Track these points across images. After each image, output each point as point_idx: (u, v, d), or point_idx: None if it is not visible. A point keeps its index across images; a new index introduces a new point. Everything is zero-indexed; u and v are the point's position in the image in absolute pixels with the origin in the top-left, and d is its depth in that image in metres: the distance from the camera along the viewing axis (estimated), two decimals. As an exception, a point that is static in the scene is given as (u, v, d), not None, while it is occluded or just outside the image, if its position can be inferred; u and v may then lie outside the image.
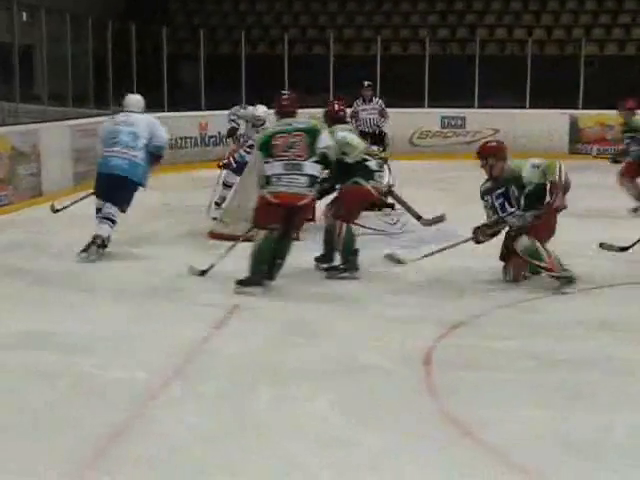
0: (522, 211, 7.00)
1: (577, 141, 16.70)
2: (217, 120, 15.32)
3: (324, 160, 7.08)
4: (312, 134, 6.97)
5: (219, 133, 15.54)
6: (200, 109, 16.03)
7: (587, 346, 5.62)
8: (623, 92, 11.69)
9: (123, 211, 8.22)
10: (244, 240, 7.44)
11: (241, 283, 6.80)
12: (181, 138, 15.05)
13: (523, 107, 17.30)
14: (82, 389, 4.85)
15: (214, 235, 8.96)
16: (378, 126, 13.06)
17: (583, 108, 16.98)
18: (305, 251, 7.79)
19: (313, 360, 5.34)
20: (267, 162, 6.92)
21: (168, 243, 8.95)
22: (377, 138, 12.57)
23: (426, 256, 7.49)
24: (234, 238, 8.61)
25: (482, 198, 7.25)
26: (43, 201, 11.12)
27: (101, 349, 5.55)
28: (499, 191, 7.07)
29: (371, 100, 13.45)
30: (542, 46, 19.30)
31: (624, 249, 7.78)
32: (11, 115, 12.18)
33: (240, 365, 5.25)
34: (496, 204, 7.09)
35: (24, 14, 13.06)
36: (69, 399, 4.70)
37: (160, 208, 10.84)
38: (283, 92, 8.16)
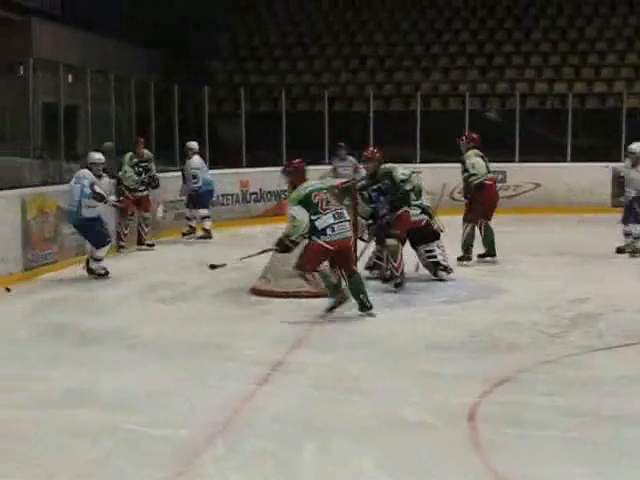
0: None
1: (620, 194, 16.63)
2: (258, 177, 15.54)
3: None
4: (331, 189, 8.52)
5: (260, 190, 15.75)
6: (241, 166, 16.23)
7: (632, 402, 5.58)
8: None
9: None
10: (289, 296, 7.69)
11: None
12: (223, 195, 15.20)
13: (564, 160, 17.29)
14: (125, 447, 4.88)
15: (256, 291, 9.05)
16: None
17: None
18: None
19: (358, 417, 5.35)
20: (316, 216, 7.75)
21: (211, 299, 9.07)
22: None
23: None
24: (275, 294, 8.75)
25: (360, 193, 9.28)
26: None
27: (144, 406, 5.61)
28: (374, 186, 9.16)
29: (345, 158, 15.05)
30: (583, 100, 19.32)
31: None
32: (56, 174, 12.38)
33: (284, 422, 5.28)
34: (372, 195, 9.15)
35: (70, 76, 13.33)
36: (112, 457, 4.73)
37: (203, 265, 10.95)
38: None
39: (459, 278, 9.60)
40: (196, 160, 13.58)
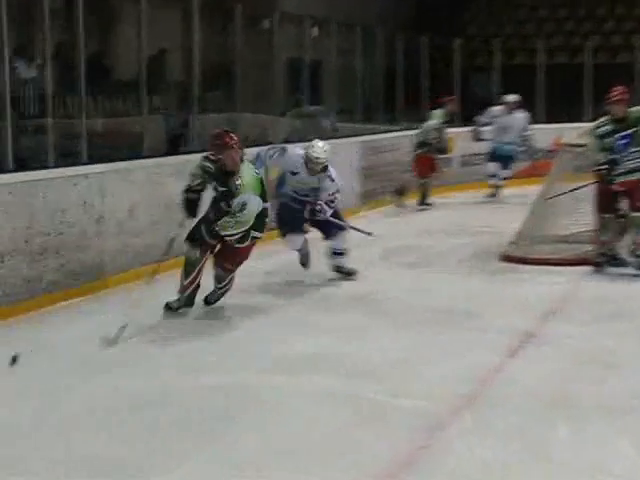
0: None
1: None
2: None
3: None
4: None
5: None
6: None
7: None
8: None
9: None
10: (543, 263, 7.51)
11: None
12: (471, 155, 15.08)
13: None
14: (366, 417, 4.94)
15: (506, 257, 8.94)
16: None
17: None
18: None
19: (614, 394, 5.21)
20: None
21: (458, 264, 9.09)
22: None
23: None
24: (527, 261, 8.59)
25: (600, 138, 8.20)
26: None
27: (386, 375, 5.66)
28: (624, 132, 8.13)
29: None
30: None
31: None
32: (299, 132, 12.64)
33: (535, 397, 5.21)
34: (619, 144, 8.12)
35: (314, 29, 13.53)
36: (352, 427, 4.79)
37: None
38: None
39: None
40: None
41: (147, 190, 8.69)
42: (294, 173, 8.14)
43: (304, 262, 8.49)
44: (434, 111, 13.39)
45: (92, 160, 8.42)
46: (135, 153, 9.30)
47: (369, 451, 4.43)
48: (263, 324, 6.97)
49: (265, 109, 12.37)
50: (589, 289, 7.74)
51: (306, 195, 8.19)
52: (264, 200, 7.03)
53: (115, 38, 11.86)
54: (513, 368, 5.79)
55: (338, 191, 8.20)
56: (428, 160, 13.04)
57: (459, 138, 14.48)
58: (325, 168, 8.04)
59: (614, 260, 8.34)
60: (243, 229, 6.88)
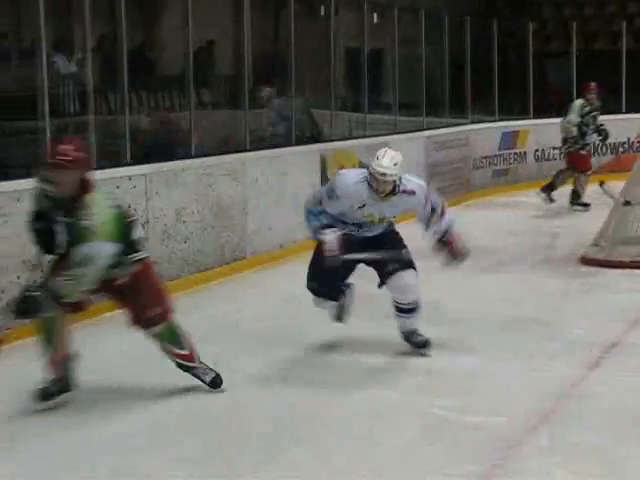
0: None
1: None
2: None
3: None
4: None
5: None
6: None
7: None
8: None
9: None
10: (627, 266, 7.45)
11: None
12: (551, 148, 14.98)
13: None
14: (433, 434, 4.93)
15: (587, 260, 8.87)
16: None
17: None
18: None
19: None
20: None
21: (533, 268, 9.10)
22: None
23: None
24: (609, 264, 8.52)
25: None
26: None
27: (454, 389, 5.64)
28: None
29: None
30: None
31: None
32: (358, 127, 12.66)
33: (616, 413, 5.17)
34: None
35: (374, 15, 13.52)
36: (418, 445, 4.78)
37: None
38: None
39: None
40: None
41: (196, 192, 8.77)
42: (361, 207, 6.11)
43: (340, 316, 6.68)
44: (575, 102, 13.03)
45: (136, 161, 8.50)
46: (183, 152, 9.39)
47: (438, 471, 4.42)
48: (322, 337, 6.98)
49: (322, 103, 12.38)
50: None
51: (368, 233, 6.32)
52: (127, 241, 5.31)
53: (159, 29, 11.96)
54: (593, 381, 5.74)
55: (433, 205, 6.24)
56: (580, 156, 12.83)
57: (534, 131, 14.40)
58: (395, 188, 5.99)
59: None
60: (83, 288, 5.22)
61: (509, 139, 14.87)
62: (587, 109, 12.52)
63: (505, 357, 6.26)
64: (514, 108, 15.48)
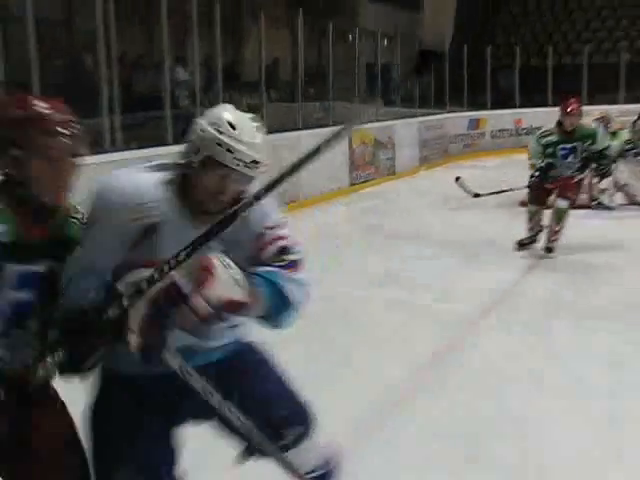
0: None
1: None
2: (528, 116, 14.74)
3: None
4: None
5: (531, 126, 14.91)
6: (515, 107, 15.45)
7: None
8: None
9: None
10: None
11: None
12: (500, 130, 14.65)
13: None
14: (417, 317, 4.81)
15: (524, 203, 8.56)
16: None
17: None
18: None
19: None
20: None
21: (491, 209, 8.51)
22: None
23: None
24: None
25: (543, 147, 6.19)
26: (396, 178, 11.35)
27: (437, 286, 5.50)
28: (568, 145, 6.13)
29: None
30: None
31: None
32: (373, 115, 12.46)
33: (542, 302, 5.06)
34: (560, 154, 6.13)
35: (385, 40, 13.24)
36: (406, 325, 4.66)
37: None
38: None
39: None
40: None
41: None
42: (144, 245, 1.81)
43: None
44: None
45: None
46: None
47: (422, 340, 4.34)
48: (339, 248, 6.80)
49: (350, 99, 12.22)
50: None
51: None
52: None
53: (243, 50, 11.91)
54: (527, 283, 5.61)
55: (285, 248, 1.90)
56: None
57: (489, 118, 14.00)
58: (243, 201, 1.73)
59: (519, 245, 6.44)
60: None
61: (473, 123, 14.56)
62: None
63: (467, 265, 6.08)
64: (477, 102, 15.14)
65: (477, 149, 14.54)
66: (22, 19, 6.50)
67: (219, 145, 1.74)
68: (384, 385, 3.64)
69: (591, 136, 6.17)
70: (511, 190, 7.22)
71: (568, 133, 6.09)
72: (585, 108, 6.55)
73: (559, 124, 6.16)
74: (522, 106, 15.14)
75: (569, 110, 6.07)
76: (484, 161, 13.37)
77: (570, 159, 6.13)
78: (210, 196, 1.76)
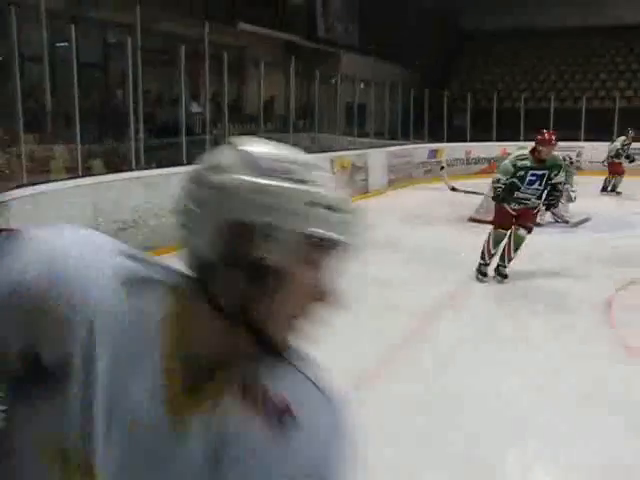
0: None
1: None
2: (477, 148, 15.09)
3: None
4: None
5: (478, 156, 15.27)
6: (466, 141, 15.79)
7: None
8: None
9: None
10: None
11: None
12: (454, 159, 14.97)
13: None
14: (389, 305, 4.84)
15: (473, 219, 8.77)
16: None
17: None
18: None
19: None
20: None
21: (449, 225, 8.57)
22: None
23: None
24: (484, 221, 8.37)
25: (516, 168, 5.58)
26: (369, 196, 11.59)
27: (398, 286, 5.45)
28: (538, 172, 5.60)
29: None
30: None
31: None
32: (351, 144, 12.71)
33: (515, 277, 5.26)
34: (529, 179, 5.60)
35: (362, 84, 13.48)
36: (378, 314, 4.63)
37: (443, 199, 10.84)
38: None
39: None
40: None
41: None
42: None
43: None
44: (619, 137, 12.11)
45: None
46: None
47: (389, 328, 4.41)
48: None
49: (332, 131, 12.46)
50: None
51: None
52: None
53: (245, 89, 12.01)
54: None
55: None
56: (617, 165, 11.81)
57: (446, 149, 14.10)
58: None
59: (482, 274, 5.86)
60: None
61: (433, 153, 14.82)
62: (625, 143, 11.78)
63: (413, 266, 6.18)
64: (437, 136, 15.45)
65: (435, 175, 14.84)
66: (67, 62, 6.74)
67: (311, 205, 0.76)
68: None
69: (558, 167, 5.68)
70: (482, 194, 7.35)
71: (541, 161, 5.60)
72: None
73: (533, 152, 5.65)
74: (472, 140, 15.53)
75: (552, 142, 5.61)
76: (442, 184, 13.62)
77: (536, 185, 5.63)
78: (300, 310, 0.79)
